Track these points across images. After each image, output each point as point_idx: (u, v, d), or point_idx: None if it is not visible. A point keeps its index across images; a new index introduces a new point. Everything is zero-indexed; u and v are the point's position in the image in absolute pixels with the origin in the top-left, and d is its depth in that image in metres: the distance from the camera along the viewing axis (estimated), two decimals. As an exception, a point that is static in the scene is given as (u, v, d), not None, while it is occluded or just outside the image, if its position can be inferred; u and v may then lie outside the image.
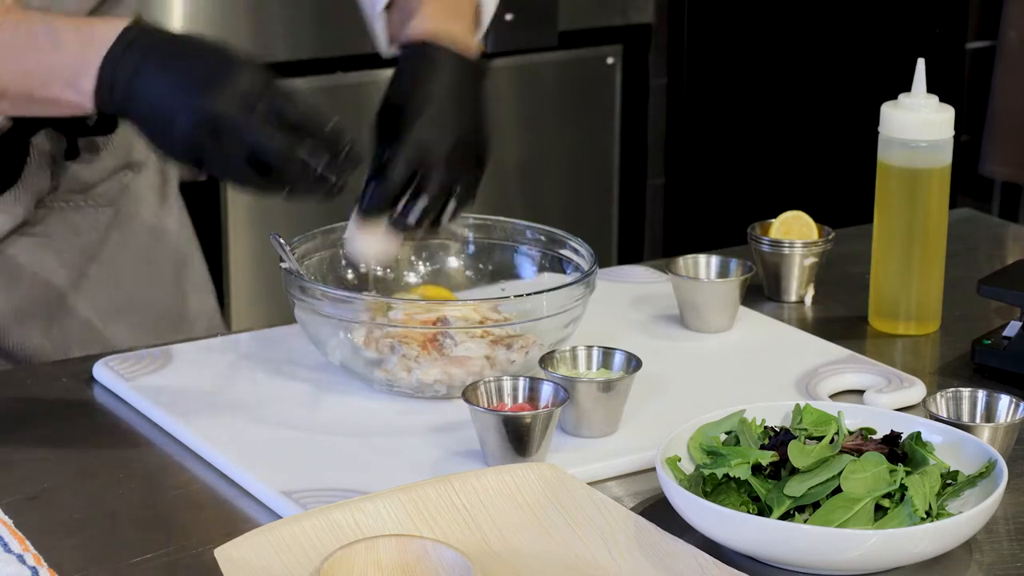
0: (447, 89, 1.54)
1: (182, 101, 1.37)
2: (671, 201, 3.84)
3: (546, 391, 1.41)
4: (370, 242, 1.51)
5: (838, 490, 1.26)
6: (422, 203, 1.49)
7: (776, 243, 1.79)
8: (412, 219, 1.49)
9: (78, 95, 1.40)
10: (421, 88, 1.53)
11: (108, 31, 1.40)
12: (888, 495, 1.26)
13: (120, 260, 1.79)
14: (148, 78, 1.38)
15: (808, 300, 1.80)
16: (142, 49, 1.39)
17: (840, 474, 1.26)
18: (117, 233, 1.79)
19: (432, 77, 1.54)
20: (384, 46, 1.73)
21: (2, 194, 1.68)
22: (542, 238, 1.67)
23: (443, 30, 1.56)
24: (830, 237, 1.80)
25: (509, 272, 1.69)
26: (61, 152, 1.71)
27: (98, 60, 1.39)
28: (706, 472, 1.30)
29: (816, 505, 1.26)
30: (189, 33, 1.44)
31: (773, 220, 1.82)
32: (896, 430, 1.34)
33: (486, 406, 1.40)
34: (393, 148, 1.50)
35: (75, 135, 1.71)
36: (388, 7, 1.69)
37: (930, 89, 1.68)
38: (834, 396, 1.55)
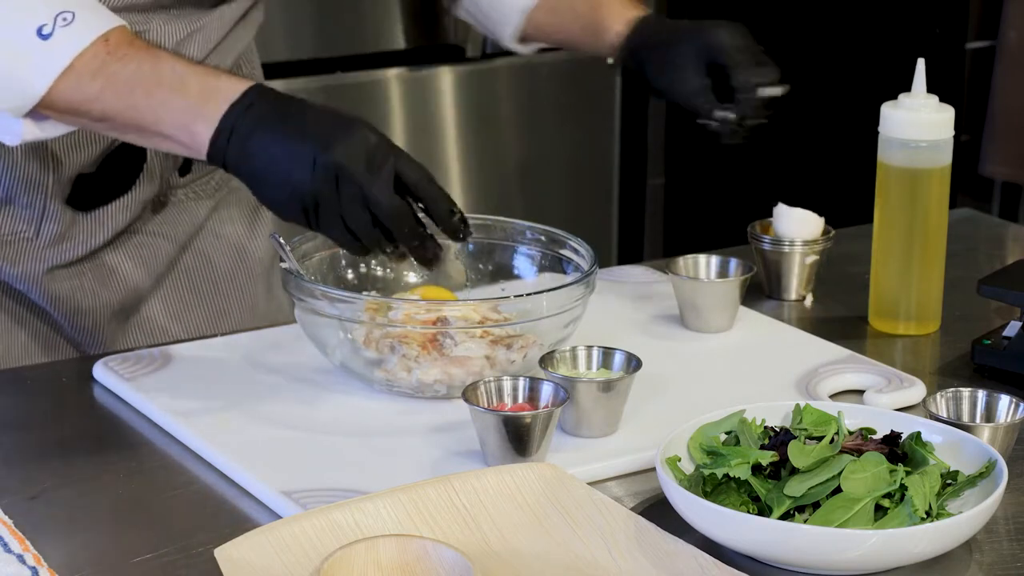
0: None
1: (304, 153, 1.40)
2: (671, 201, 3.84)
3: (546, 391, 1.41)
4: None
5: (838, 490, 1.26)
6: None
7: (776, 241, 1.79)
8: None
9: (191, 139, 1.45)
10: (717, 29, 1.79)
11: (234, 85, 1.45)
12: (888, 495, 1.26)
13: (199, 270, 1.82)
14: (269, 133, 1.42)
15: (808, 300, 1.80)
16: (266, 106, 1.43)
17: (840, 474, 1.26)
18: (201, 241, 1.81)
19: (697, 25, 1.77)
20: (512, 40, 1.87)
21: (111, 202, 1.71)
22: (542, 238, 1.67)
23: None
24: (830, 235, 1.80)
25: (509, 272, 1.69)
26: (174, 167, 1.75)
27: (220, 111, 1.43)
28: (706, 472, 1.30)
29: (816, 505, 1.26)
30: (310, 100, 1.47)
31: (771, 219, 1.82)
32: (896, 430, 1.34)
33: (486, 406, 1.40)
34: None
35: None
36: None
37: (930, 89, 1.68)
38: (834, 396, 1.55)
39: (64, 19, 1.46)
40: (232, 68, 1.76)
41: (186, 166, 1.77)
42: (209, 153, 1.44)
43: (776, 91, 1.73)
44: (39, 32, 1.45)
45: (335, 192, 1.40)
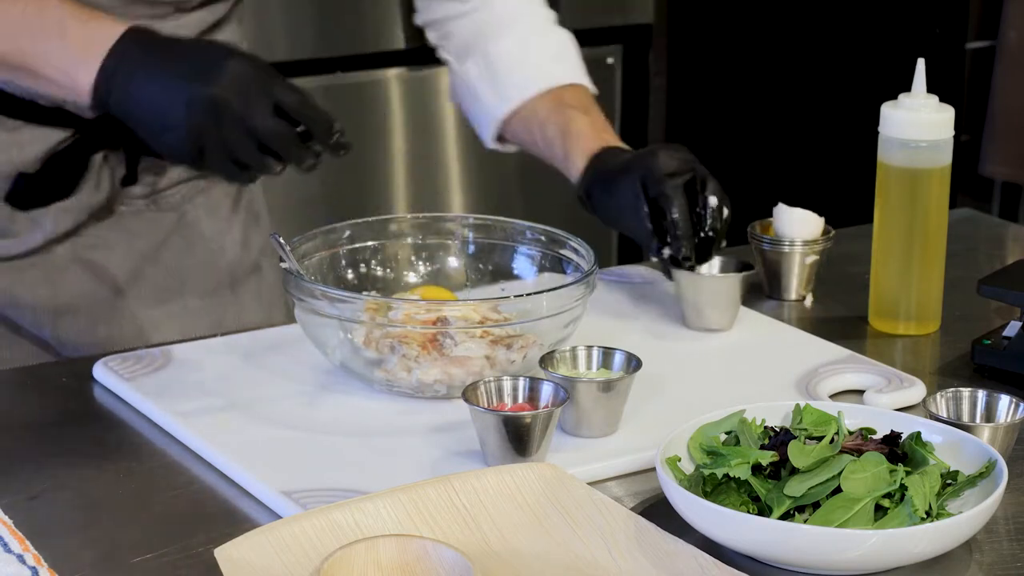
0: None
1: (181, 92, 1.43)
2: (671, 201, 3.84)
3: (546, 391, 1.41)
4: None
5: (838, 490, 1.26)
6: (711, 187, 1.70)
7: (776, 241, 1.79)
8: (712, 202, 1.69)
9: (73, 84, 1.48)
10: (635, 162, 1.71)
11: (111, 31, 1.47)
12: (888, 495, 1.26)
13: (179, 265, 1.80)
14: (147, 76, 1.45)
15: (808, 300, 1.80)
16: (141, 51, 1.46)
17: (840, 474, 1.26)
18: (179, 238, 1.80)
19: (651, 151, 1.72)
20: (490, 141, 1.89)
21: (50, 204, 1.70)
22: (542, 238, 1.67)
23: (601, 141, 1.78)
24: (830, 235, 1.80)
25: (509, 272, 1.69)
26: (119, 177, 1.74)
27: (98, 59, 1.46)
28: (706, 472, 1.30)
29: (816, 505, 1.26)
30: (185, 37, 1.50)
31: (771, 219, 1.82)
32: (896, 430, 1.34)
33: (486, 406, 1.40)
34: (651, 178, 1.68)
35: (137, 159, 1.73)
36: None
37: (930, 89, 1.68)
38: (834, 396, 1.55)
39: None
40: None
41: (128, 177, 1.74)
42: (92, 102, 1.47)
43: (712, 202, 1.68)
44: None
45: (217, 125, 1.42)
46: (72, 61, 1.48)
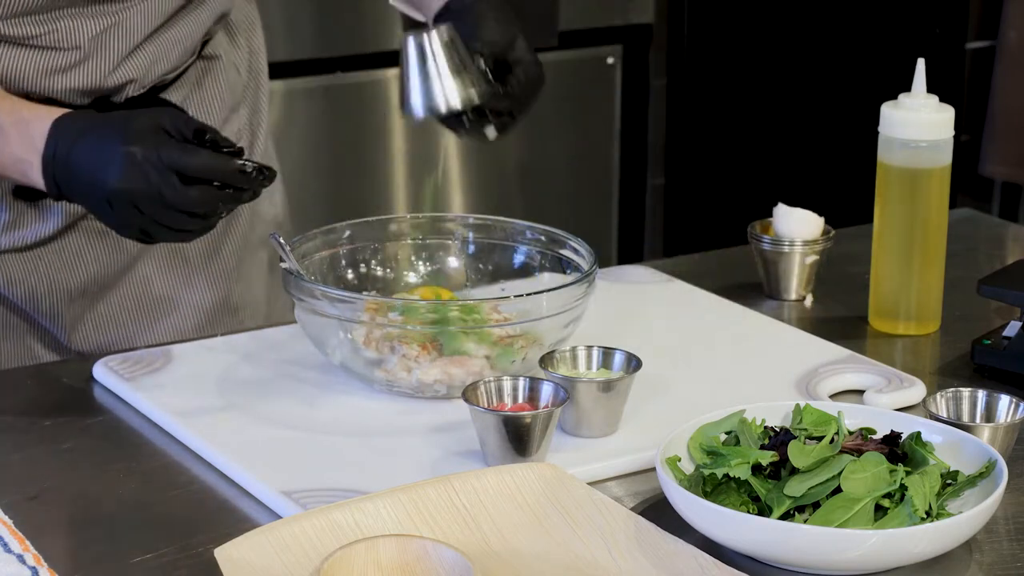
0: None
1: (99, 191, 1.47)
2: (671, 201, 3.84)
3: (546, 391, 1.41)
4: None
5: (838, 490, 1.26)
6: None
7: (776, 241, 1.79)
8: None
9: (33, 183, 1.52)
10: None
11: (41, 128, 1.51)
12: (888, 495, 1.26)
13: (179, 250, 1.81)
14: (74, 179, 1.50)
15: (808, 300, 1.80)
16: (65, 148, 1.50)
17: (840, 474, 1.26)
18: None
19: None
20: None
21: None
22: (542, 238, 1.67)
23: None
24: (830, 235, 1.80)
25: (509, 272, 1.69)
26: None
27: (39, 161, 1.51)
28: (706, 472, 1.30)
29: (816, 505, 1.26)
30: (102, 115, 1.54)
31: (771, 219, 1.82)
32: (896, 430, 1.34)
33: (486, 406, 1.40)
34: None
35: None
36: None
37: (930, 89, 1.68)
38: (834, 396, 1.55)
39: None
40: (187, 60, 1.75)
41: None
42: (51, 195, 1.52)
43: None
44: None
45: (140, 213, 1.46)
46: (19, 165, 1.53)
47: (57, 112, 1.53)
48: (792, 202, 1.82)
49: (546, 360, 1.47)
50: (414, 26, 1.61)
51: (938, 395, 1.43)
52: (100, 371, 1.58)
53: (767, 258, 1.80)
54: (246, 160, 1.46)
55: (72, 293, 1.75)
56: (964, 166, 3.75)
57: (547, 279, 1.64)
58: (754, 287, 1.81)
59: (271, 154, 1.90)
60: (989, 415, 1.42)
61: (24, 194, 1.70)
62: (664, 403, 1.51)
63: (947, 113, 1.68)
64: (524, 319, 1.52)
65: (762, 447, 1.31)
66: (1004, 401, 1.42)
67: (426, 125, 3.19)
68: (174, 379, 1.56)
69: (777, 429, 1.34)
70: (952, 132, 1.68)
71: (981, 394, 1.43)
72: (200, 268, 1.81)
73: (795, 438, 1.31)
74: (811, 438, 1.32)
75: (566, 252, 1.65)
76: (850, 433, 1.33)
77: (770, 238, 1.80)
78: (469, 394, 1.39)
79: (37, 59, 1.64)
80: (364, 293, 1.63)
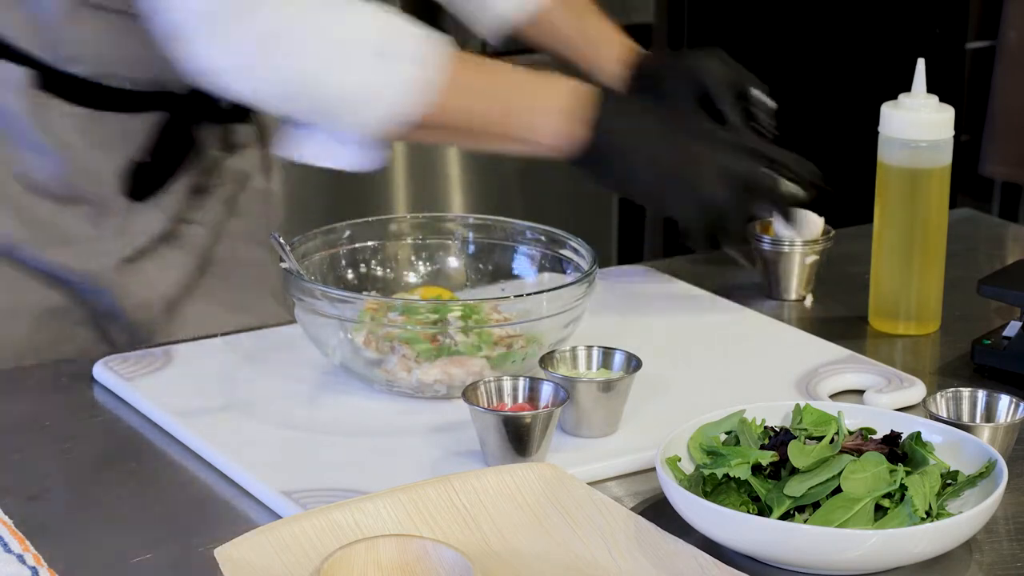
0: None
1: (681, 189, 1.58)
2: (671, 201, 3.83)
3: (546, 391, 1.41)
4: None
5: (838, 490, 1.26)
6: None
7: (776, 241, 1.79)
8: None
9: (555, 138, 1.60)
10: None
11: (579, 86, 1.59)
12: (888, 495, 1.26)
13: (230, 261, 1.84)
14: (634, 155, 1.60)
15: (808, 300, 1.80)
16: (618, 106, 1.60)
17: (840, 474, 1.26)
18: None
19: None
20: (494, 37, 1.86)
21: (165, 186, 1.75)
22: (542, 238, 1.67)
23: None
24: (831, 235, 1.80)
25: (509, 272, 1.69)
26: (218, 145, 1.79)
27: (585, 110, 1.58)
28: (706, 472, 1.30)
29: (816, 505, 1.26)
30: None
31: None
32: (896, 430, 1.34)
33: (486, 406, 1.40)
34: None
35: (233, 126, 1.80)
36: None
37: (930, 89, 1.68)
38: (834, 396, 1.55)
39: (424, 42, 1.54)
40: None
41: (228, 146, 1.81)
42: (573, 149, 1.61)
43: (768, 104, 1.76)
44: (411, 56, 1.53)
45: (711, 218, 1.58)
46: (555, 114, 1.58)
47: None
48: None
49: (546, 360, 1.47)
50: None
51: (938, 395, 1.43)
52: (100, 371, 1.58)
53: (767, 258, 1.80)
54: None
55: (168, 298, 1.78)
56: (964, 166, 3.74)
57: (547, 279, 1.64)
58: (754, 287, 1.81)
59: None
60: (989, 415, 1.42)
61: (135, 192, 1.72)
62: (664, 403, 1.51)
63: (947, 113, 1.68)
64: (524, 319, 1.52)
65: (762, 447, 1.31)
66: (1004, 401, 1.42)
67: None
68: (174, 379, 1.56)
69: (777, 429, 1.34)
70: (952, 132, 1.68)
71: (981, 394, 1.43)
72: None
73: (795, 438, 1.31)
74: (811, 438, 1.32)
75: (566, 252, 1.65)
76: (850, 433, 1.33)
77: (770, 238, 1.79)
78: (469, 394, 1.39)
79: None
80: (364, 293, 1.63)
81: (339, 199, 3.30)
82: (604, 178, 1.62)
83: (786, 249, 1.79)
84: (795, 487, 1.26)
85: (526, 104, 1.58)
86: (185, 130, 1.74)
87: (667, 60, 1.78)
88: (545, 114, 1.58)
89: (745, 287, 1.83)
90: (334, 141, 1.56)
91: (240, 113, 1.80)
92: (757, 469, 1.29)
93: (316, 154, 1.57)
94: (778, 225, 1.76)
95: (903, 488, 1.26)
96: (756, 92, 1.78)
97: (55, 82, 1.67)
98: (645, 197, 1.66)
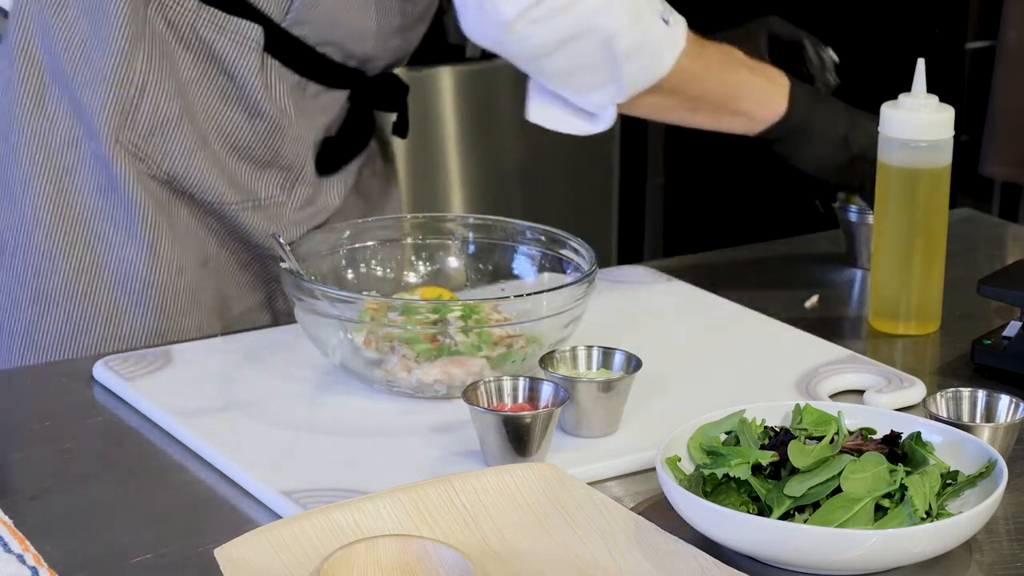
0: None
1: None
2: (671, 201, 3.84)
3: (546, 391, 1.41)
4: None
5: (838, 490, 1.26)
6: None
7: (862, 211, 1.85)
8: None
9: (767, 112, 1.76)
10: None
11: (775, 107, 1.78)
12: (888, 495, 1.26)
13: None
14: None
15: (810, 302, 1.80)
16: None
17: (840, 474, 1.26)
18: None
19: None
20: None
21: (350, 162, 1.82)
22: (542, 238, 1.67)
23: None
24: None
25: (509, 272, 1.69)
26: (390, 128, 1.91)
27: (785, 91, 1.77)
28: (706, 472, 1.30)
29: (816, 505, 1.26)
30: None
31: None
32: (896, 430, 1.34)
33: (486, 406, 1.40)
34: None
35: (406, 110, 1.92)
36: None
37: (930, 89, 1.68)
38: (834, 396, 1.55)
39: (665, 10, 1.70)
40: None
41: (400, 127, 1.93)
42: (771, 126, 1.75)
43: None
44: (663, 18, 1.70)
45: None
46: (769, 91, 1.77)
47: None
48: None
49: (546, 360, 1.47)
50: None
51: (938, 395, 1.43)
52: (100, 371, 1.58)
53: (852, 227, 1.86)
54: None
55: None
56: (964, 166, 3.74)
57: (547, 279, 1.64)
58: (754, 287, 1.82)
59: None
60: (989, 415, 1.42)
61: (323, 166, 1.75)
62: (664, 403, 1.51)
63: (947, 113, 1.68)
64: (524, 319, 1.52)
65: (762, 447, 1.31)
66: (1004, 401, 1.42)
67: (427, 126, 3.18)
68: (174, 379, 1.56)
69: (777, 429, 1.34)
70: (952, 132, 1.68)
71: (981, 394, 1.43)
72: None
73: (795, 438, 1.31)
74: (811, 438, 1.32)
75: (566, 252, 1.65)
76: (850, 433, 1.33)
77: (857, 207, 1.85)
78: (469, 394, 1.39)
79: None
80: (364, 293, 1.63)
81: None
82: (797, 156, 1.79)
83: (870, 219, 1.80)
84: (795, 487, 1.26)
85: (754, 78, 1.75)
86: (369, 112, 1.82)
87: (745, 34, 1.91)
88: (765, 91, 1.75)
89: (744, 287, 1.83)
90: (568, 108, 1.71)
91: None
92: (757, 469, 1.29)
93: (554, 119, 1.72)
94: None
95: (903, 488, 1.26)
96: (824, 49, 1.85)
97: (278, 43, 1.71)
98: (832, 172, 1.81)
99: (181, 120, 1.71)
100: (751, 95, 1.75)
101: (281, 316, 1.82)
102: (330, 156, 1.80)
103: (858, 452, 1.29)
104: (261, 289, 1.82)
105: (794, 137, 1.77)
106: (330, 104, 1.78)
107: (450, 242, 1.69)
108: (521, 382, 1.42)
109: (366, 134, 1.86)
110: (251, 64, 1.70)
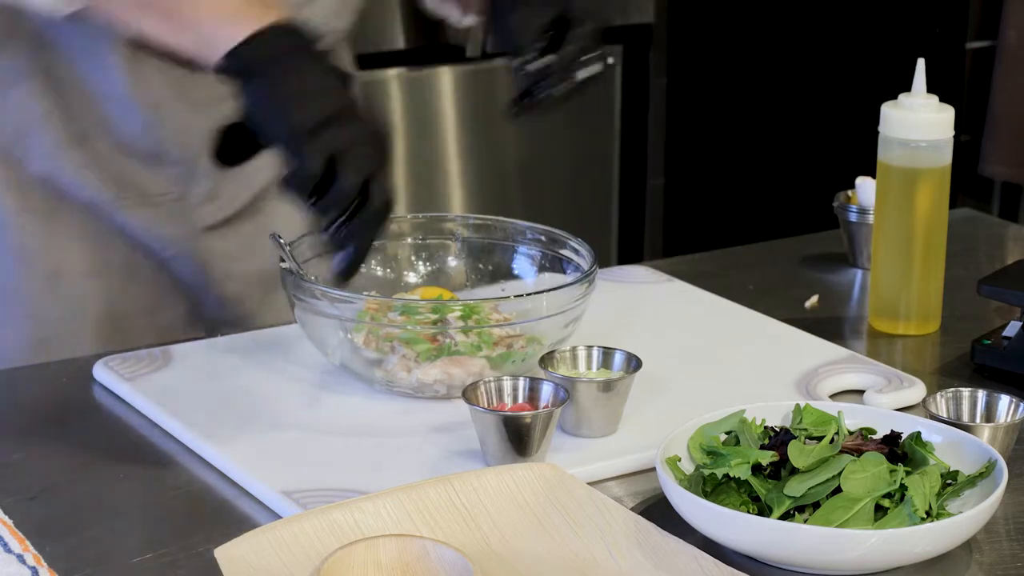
0: None
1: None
2: (671, 201, 3.84)
3: (546, 391, 1.41)
4: None
5: (838, 490, 1.26)
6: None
7: (862, 211, 1.84)
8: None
9: (219, 31, 1.42)
10: None
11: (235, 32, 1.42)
12: (888, 495, 1.26)
13: None
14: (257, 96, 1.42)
15: (809, 302, 1.80)
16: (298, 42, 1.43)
17: (840, 474, 1.26)
18: None
19: None
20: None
21: (254, 156, 1.61)
22: (542, 238, 1.67)
23: None
24: None
25: (509, 272, 1.69)
26: None
27: (217, 56, 1.42)
28: (706, 472, 1.30)
29: (816, 505, 1.26)
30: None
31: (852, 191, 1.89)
32: (896, 430, 1.34)
33: (486, 406, 1.40)
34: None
35: None
36: None
37: (930, 89, 1.68)
38: (834, 396, 1.55)
39: None
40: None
41: None
42: (226, 59, 1.42)
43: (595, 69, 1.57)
44: None
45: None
46: (202, 40, 1.43)
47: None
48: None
49: (546, 360, 1.47)
50: None
51: (938, 395, 1.43)
52: (100, 371, 1.58)
53: (851, 227, 1.86)
54: None
55: (259, 275, 1.75)
56: (964, 166, 3.74)
57: (547, 279, 1.64)
58: (754, 287, 1.82)
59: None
60: (989, 415, 1.42)
61: (224, 157, 1.68)
62: (664, 403, 1.51)
63: (947, 113, 1.68)
64: (524, 319, 1.52)
65: (762, 447, 1.31)
66: (1004, 401, 1.42)
67: (426, 126, 3.18)
68: (174, 379, 1.56)
69: (777, 429, 1.34)
70: (952, 132, 1.68)
71: (981, 394, 1.43)
72: None
73: (795, 438, 1.31)
74: (811, 438, 1.32)
75: (566, 252, 1.65)
76: (850, 433, 1.33)
77: (857, 207, 1.85)
78: (469, 394, 1.39)
79: None
80: (364, 293, 1.63)
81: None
82: (251, 102, 1.45)
83: (870, 219, 1.80)
84: (795, 487, 1.26)
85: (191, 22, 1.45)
86: None
87: None
88: (234, 11, 1.43)
89: (745, 287, 1.83)
90: None
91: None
92: (757, 469, 1.29)
93: None
94: None
95: (903, 488, 1.26)
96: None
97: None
98: (286, 136, 1.44)
99: (49, 118, 1.65)
100: (211, 6, 1.44)
101: (191, 325, 1.76)
102: (232, 145, 1.65)
103: (858, 452, 1.29)
104: (165, 295, 1.75)
105: (253, 77, 1.42)
106: (221, 91, 1.61)
107: (450, 242, 1.69)
108: (521, 382, 1.42)
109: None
110: (114, 62, 1.63)
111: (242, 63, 1.42)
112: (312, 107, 1.40)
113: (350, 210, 1.38)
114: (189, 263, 1.72)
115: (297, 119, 1.39)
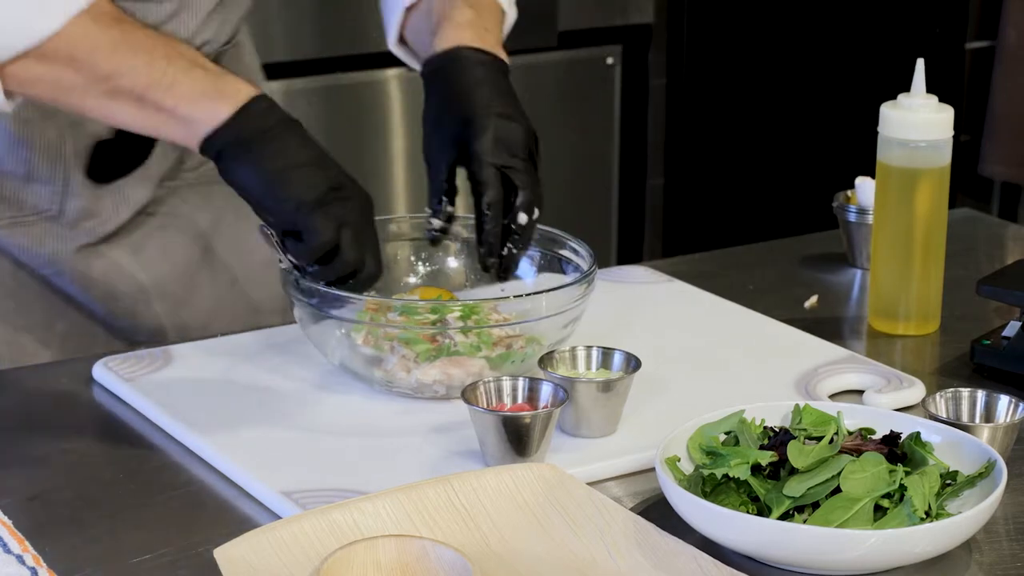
0: (501, 86, 1.58)
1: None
2: (671, 201, 3.84)
3: (545, 391, 1.41)
4: None
5: (837, 490, 1.26)
6: (523, 198, 1.52)
7: (861, 211, 1.84)
8: (522, 220, 1.52)
9: (204, 116, 1.44)
10: (476, 89, 1.56)
11: (217, 111, 1.44)
12: (888, 495, 1.26)
13: (242, 238, 1.78)
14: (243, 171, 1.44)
15: (809, 302, 1.80)
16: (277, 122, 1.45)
17: (839, 474, 1.26)
18: (232, 213, 1.79)
19: (482, 78, 1.57)
20: (392, 42, 1.78)
21: (128, 175, 1.68)
22: (542, 238, 1.67)
23: (475, 40, 1.61)
24: None
25: (509, 272, 1.69)
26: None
27: (244, 95, 1.44)
28: (706, 472, 1.30)
29: (816, 505, 1.26)
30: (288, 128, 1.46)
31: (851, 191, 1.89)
32: (895, 430, 1.34)
33: (486, 406, 1.40)
34: (474, 152, 1.52)
35: None
36: (410, 7, 1.72)
37: (930, 89, 1.68)
38: (834, 396, 1.55)
39: None
40: (233, 38, 1.74)
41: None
42: (208, 138, 1.43)
43: (523, 219, 1.52)
44: None
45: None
46: (214, 91, 1.44)
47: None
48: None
49: (545, 360, 1.47)
50: None
51: (937, 395, 1.43)
52: (100, 371, 1.58)
53: (851, 227, 1.86)
54: None
55: (151, 290, 1.73)
56: (964, 166, 3.75)
57: (547, 279, 1.64)
58: (753, 287, 1.81)
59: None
60: (988, 415, 1.42)
61: (97, 174, 1.66)
62: (664, 403, 1.51)
63: (946, 113, 1.68)
64: (524, 319, 1.52)
65: (761, 447, 1.31)
66: (1003, 401, 1.42)
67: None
68: (174, 379, 1.56)
69: (776, 429, 1.34)
70: (951, 132, 1.68)
71: (980, 394, 1.43)
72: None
73: (794, 438, 1.31)
74: (810, 438, 1.32)
75: (566, 252, 1.65)
76: (849, 433, 1.33)
77: (856, 208, 1.85)
78: (468, 394, 1.39)
79: (136, 9, 1.58)
80: (364, 293, 1.63)
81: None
82: (233, 175, 1.46)
83: (870, 219, 1.80)
84: (794, 487, 1.26)
85: (195, 72, 1.45)
86: None
87: (456, 89, 1.60)
88: (205, 91, 1.44)
89: (744, 287, 1.83)
90: None
91: None
92: (756, 469, 1.29)
93: None
94: None
95: (903, 488, 1.26)
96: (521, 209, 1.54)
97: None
98: (262, 207, 1.46)
99: None
100: (184, 90, 1.43)
101: (95, 338, 1.74)
102: (105, 164, 1.67)
103: (857, 452, 1.29)
104: (47, 312, 1.72)
105: (237, 154, 1.43)
106: None
107: (450, 242, 1.69)
108: (521, 382, 1.42)
109: (148, 141, 1.69)
110: None
111: (228, 140, 1.43)
112: (314, 178, 1.43)
113: (345, 277, 1.45)
114: (71, 280, 1.71)
115: (301, 190, 1.42)
